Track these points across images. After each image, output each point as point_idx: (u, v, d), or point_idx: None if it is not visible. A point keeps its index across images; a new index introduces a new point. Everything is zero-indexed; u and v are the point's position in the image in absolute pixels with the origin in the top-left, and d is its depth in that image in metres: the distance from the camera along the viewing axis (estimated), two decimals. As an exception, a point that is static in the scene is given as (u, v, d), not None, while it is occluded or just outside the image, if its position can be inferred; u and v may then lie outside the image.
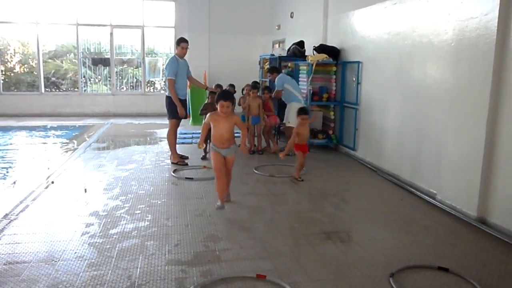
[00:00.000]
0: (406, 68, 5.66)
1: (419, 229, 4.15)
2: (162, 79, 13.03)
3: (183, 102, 6.54)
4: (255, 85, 7.56)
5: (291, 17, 10.50)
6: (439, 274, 3.22)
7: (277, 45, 11.60)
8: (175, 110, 6.39)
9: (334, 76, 7.73)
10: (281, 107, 7.98)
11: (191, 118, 9.11)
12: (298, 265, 3.34)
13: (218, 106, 4.32)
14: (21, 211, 4.43)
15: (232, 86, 8.32)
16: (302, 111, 5.82)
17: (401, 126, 5.82)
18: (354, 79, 7.17)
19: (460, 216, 4.42)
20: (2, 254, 3.44)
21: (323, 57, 7.51)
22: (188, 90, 9.71)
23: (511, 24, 3.87)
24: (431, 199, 4.93)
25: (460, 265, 3.34)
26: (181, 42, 6.47)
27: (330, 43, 7.99)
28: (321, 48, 7.74)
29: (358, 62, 6.99)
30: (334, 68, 7.66)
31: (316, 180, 5.85)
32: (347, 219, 4.45)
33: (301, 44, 8.73)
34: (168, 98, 6.42)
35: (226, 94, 4.46)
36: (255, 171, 6.11)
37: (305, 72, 7.72)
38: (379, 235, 3.99)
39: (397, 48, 5.85)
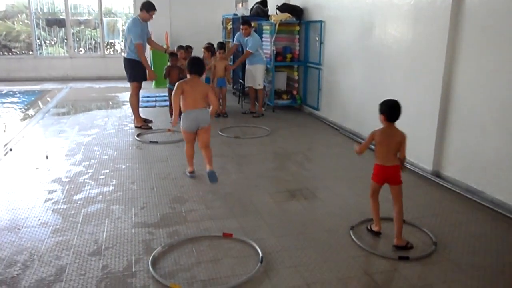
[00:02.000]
0: (368, 27, 5.69)
1: (379, 184, 4.33)
2: (122, 41, 12.56)
3: (142, 64, 6.35)
4: (221, 46, 7.41)
5: (254, -26, 10.22)
6: (396, 225, 3.41)
7: (240, 5, 11.35)
8: (136, 73, 6.24)
9: (297, 36, 7.69)
10: (243, 67, 7.88)
11: (153, 81, 8.92)
12: (263, 222, 3.44)
13: (187, 74, 4.20)
14: (-21, 180, 4.30)
15: (189, 47, 7.78)
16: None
17: (363, 85, 5.92)
18: (317, 38, 7.17)
19: (416, 170, 4.64)
20: (-38, 224, 3.36)
21: (286, 16, 7.44)
22: (150, 52, 9.46)
23: (467, -18, 3.95)
24: (390, 156, 5.12)
25: (415, 216, 3.54)
26: (151, 10, 6.22)
27: (293, 2, 7.89)
28: (284, 8, 7.65)
29: (321, 22, 6.97)
30: (298, 28, 7.61)
31: (280, 140, 5.93)
32: (310, 177, 4.58)
33: (264, 3, 8.58)
34: (128, 61, 6.23)
35: (197, 62, 4.28)
36: (220, 133, 6.12)
37: (268, 32, 7.63)
38: (341, 191, 4.15)
39: (359, 7, 5.86)
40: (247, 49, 7.18)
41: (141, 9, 6.24)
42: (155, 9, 6.27)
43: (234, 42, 7.48)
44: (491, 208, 3.72)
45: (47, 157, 5.05)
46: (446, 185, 4.23)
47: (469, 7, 3.96)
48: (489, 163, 3.85)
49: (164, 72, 6.59)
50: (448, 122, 4.32)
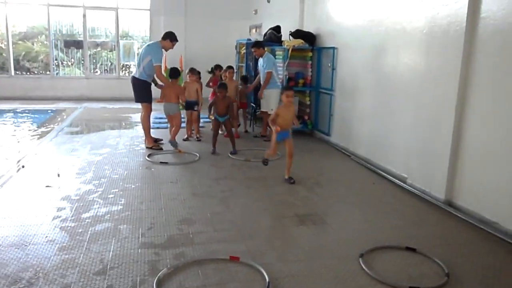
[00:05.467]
0: (380, 54, 5.73)
1: (389, 211, 4.27)
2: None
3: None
4: (230, 66, 7.59)
5: (268, 1, 10.45)
6: (407, 254, 3.33)
7: (254, 30, 11.56)
8: (149, 94, 6.37)
9: (310, 62, 7.76)
10: (256, 91, 7.92)
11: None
12: (271, 247, 3.39)
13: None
14: (-10, 195, 4.33)
15: (194, 70, 7.40)
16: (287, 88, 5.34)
17: (374, 112, 5.91)
18: (329, 65, 7.22)
19: (429, 199, 4.56)
20: (-30, 238, 3.37)
21: (299, 42, 7.53)
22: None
23: (480, 11, 3.96)
24: (401, 183, 5.06)
25: (427, 246, 3.45)
26: (175, 40, 6.45)
27: (306, 28, 8.00)
28: (298, 34, 7.75)
29: (334, 48, 7.04)
30: (310, 54, 7.69)
31: (291, 164, 5.90)
32: (320, 202, 4.53)
33: (277, 29, 8.70)
34: (140, 81, 6.31)
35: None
36: (230, 156, 6.13)
37: (281, 57, 7.71)
38: (351, 218, 4.09)
39: (371, 35, 5.91)
40: (265, 70, 7.12)
41: (165, 38, 6.41)
42: (177, 40, 6.51)
43: (265, 69, 7.31)
44: (505, 240, 3.61)
45: (58, 175, 5.08)
46: (459, 215, 4.14)
47: (482, 37, 3.96)
48: (503, 194, 3.77)
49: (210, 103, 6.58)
50: (461, 151, 4.27)
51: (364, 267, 3.07)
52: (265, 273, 2.89)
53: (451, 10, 4.21)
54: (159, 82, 6.66)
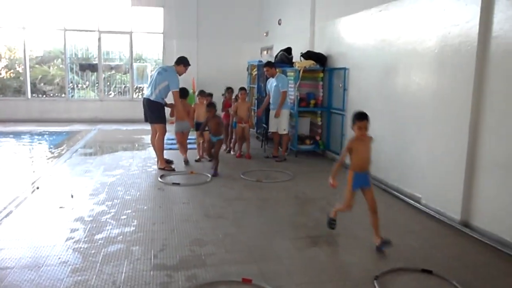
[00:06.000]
0: (391, 74, 5.74)
1: (404, 232, 4.20)
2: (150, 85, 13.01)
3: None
4: (242, 88, 7.70)
5: (279, 24, 10.59)
6: (423, 276, 3.26)
7: (265, 52, 11.68)
8: (164, 116, 6.50)
9: (321, 82, 7.80)
10: (267, 112, 7.98)
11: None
12: (283, 268, 3.35)
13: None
14: (5, 216, 4.37)
15: (204, 93, 7.56)
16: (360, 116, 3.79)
17: (386, 132, 5.88)
18: (340, 85, 7.24)
19: (444, 219, 4.48)
20: (-16, 260, 3.39)
21: (310, 63, 7.59)
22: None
23: (491, 31, 3.96)
24: (416, 203, 4.99)
25: (443, 268, 3.38)
26: (187, 65, 6.59)
27: (317, 49, 8.07)
28: (308, 55, 7.82)
29: (345, 69, 7.07)
30: (321, 75, 7.74)
31: (302, 184, 5.87)
32: (333, 224, 4.47)
33: (288, 50, 8.80)
34: (156, 104, 6.40)
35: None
36: (242, 177, 6.12)
37: (292, 78, 7.78)
38: (365, 239, 4.01)
39: (383, 55, 5.94)
40: (281, 90, 7.19)
41: (179, 64, 6.54)
42: (190, 65, 6.66)
43: (281, 89, 7.31)
44: (525, 262, 3.52)
45: (72, 196, 5.12)
46: (476, 236, 4.05)
47: (495, 56, 3.95)
48: (521, 214, 3.69)
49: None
50: (477, 170, 4.20)
51: (379, 290, 3.01)
52: (278, 296, 2.85)
53: (462, 30, 4.22)
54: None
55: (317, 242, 3.90)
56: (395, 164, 5.65)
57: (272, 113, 7.48)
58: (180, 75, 6.56)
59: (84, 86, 13.13)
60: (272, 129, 7.56)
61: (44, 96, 13.01)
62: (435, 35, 4.68)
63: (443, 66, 4.57)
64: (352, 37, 6.90)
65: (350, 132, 6.91)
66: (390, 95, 5.77)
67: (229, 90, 8.10)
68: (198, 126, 7.04)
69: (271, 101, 7.50)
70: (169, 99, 6.55)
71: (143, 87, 13.27)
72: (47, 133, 10.16)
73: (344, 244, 3.88)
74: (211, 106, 6.43)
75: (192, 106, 7.27)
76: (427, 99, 4.89)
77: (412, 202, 5.06)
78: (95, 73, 12.63)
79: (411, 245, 3.90)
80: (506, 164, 3.86)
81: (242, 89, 7.58)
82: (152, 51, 13.20)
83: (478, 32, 4.03)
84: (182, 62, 6.55)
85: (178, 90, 6.42)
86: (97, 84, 12.62)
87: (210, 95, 7.68)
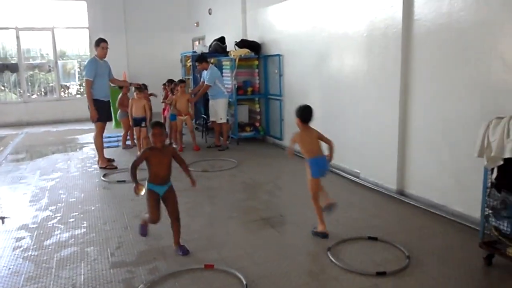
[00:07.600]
0: (325, 58, 6.02)
1: (348, 206, 4.49)
2: (78, 83, 12.42)
3: (107, 104, 6.35)
4: (182, 80, 7.67)
5: (209, 13, 10.57)
6: (370, 243, 3.56)
7: (197, 42, 11.61)
8: (101, 113, 6.18)
9: (257, 70, 7.96)
10: (206, 102, 8.03)
11: (113, 121, 8.84)
12: (242, 251, 3.48)
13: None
14: None
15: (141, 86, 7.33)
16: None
17: (324, 113, 6.16)
18: (276, 71, 7.45)
19: (382, 190, 4.85)
20: None
21: (245, 52, 7.70)
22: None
23: (413, 14, 4.32)
24: (355, 178, 5.34)
25: (386, 233, 3.70)
26: (101, 42, 6.26)
27: (250, 38, 8.20)
28: (243, 43, 7.93)
29: (279, 55, 7.27)
30: (257, 62, 7.89)
31: (248, 171, 6.02)
32: (282, 204, 4.69)
33: (222, 40, 8.84)
34: (93, 101, 6.17)
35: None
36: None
37: (228, 67, 7.86)
38: (313, 216, 4.24)
39: (315, 40, 6.19)
40: (205, 82, 7.32)
41: (95, 47, 6.32)
42: (105, 41, 6.31)
43: (201, 79, 7.61)
44: (454, 220, 3.95)
45: (2, 222, 4.45)
46: (411, 202, 4.46)
47: (418, 37, 4.32)
48: (446, 179, 4.11)
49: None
50: (407, 143, 4.60)
51: (333, 259, 3.24)
52: (241, 277, 2.98)
53: (388, 14, 4.55)
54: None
55: (270, 223, 4.07)
56: (335, 143, 5.95)
57: (211, 102, 7.52)
58: (102, 58, 6.29)
59: (3, 88, 12.21)
60: (211, 118, 7.61)
61: (-42, 101, 11.94)
62: (364, 19, 4.99)
63: (372, 49, 4.90)
64: (285, 24, 7.10)
65: (288, 117, 7.19)
66: (325, 78, 6.05)
67: (171, 82, 8.04)
68: (136, 122, 6.89)
69: (209, 92, 7.52)
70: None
71: (70, 85, 12.63)
72: (-33, 141, 9.38)
73: (295, 222, 4.09)
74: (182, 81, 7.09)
75: (130, 101, 7.06)
76: (360, 80, 5.22)
77: (352, 177, 5.41)
78: (15, 74, 11.80)
79: (355, 217, 4.21)
80: (431, 137, 4.27)
81: (181, 81, 7.49)
82: (78, 47, 12.56)
83: (402, 16, 4.38)
84: (95, 45, 6.31)
85: (89, 79, 6.08)
86: (19, 85, 11.81)
87: (145, 86, 7.55)
